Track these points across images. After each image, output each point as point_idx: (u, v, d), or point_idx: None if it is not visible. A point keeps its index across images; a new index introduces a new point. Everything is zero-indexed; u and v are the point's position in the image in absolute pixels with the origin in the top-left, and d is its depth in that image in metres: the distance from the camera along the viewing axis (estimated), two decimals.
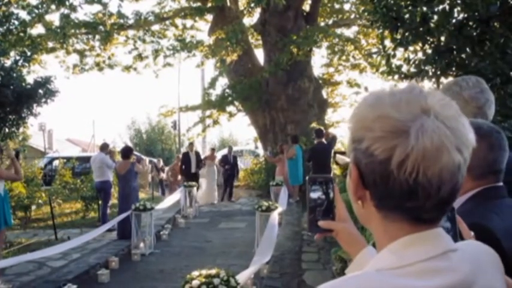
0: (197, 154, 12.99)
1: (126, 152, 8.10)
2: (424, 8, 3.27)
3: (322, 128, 10.81)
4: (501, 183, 1.37)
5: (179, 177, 13.69)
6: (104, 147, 9.48)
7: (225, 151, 16.98)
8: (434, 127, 0.64)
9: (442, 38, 3.28)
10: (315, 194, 0.96)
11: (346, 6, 15.24)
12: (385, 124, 0.65)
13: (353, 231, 0.99)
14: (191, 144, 13.38)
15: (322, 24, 14.36)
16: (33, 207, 9.66)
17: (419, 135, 0.63)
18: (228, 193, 13.64)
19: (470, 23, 3.12)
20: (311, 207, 0.96)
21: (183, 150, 21.98)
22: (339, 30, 14.24)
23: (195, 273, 3.43)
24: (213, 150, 14.40)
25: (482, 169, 1.33)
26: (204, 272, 3.44)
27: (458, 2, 3.33)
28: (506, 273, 0.99)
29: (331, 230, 0.96)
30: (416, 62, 3.43)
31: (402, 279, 0.64)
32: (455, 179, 0.66)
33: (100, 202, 9.48)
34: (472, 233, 1.11)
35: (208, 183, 13.15)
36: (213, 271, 3.43)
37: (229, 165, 13.42)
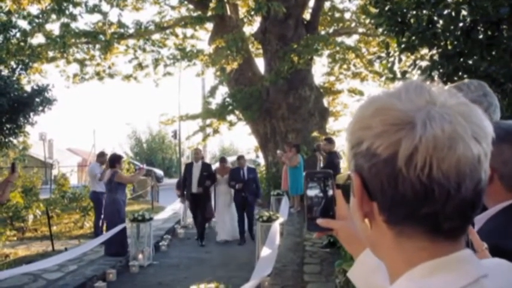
0: (205, 166, 8.97)
1: (111, 161, 7.48)
2: (430, 12, 3.19)
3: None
4: None
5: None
6: (99, 156, 9.34)
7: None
8: (443, 113, 0.55)
9: (449, 42, 3.19)
10: (312, 192, 0.89)
11: (347, 15, 15.27)
12: (386, 117, 0.56)
13: (354, 229, 0.89)
14: (197, 151, 9.56)
15: (323, 32, 14.34)
16: (31, 217, 9.50)
17: (427, 124, 0.54)
18: (247, 226, 8.84)
19: (478, 27, 3.03)
20: (309, 205, 0.89)
21: (184, 160, 21.48)
22: (339, 39, 14.21)
23: (193, 287, 3.30)
24: (223, 160, 9.67)
25: None
26: (202, 286, 3.31)
27: (464, 6, 3.24)
28: None
29: (331, 229, 0.89)
30: (423, 68, 3.34)
31: None
32: (477, 175, 0.55)
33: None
34: (485, 245, 1.02)
35: (219, 209, 9.14)
36: (212, 285, 3.30)
37: (240, 183, 8.65)
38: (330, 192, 0.89)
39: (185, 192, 9.07)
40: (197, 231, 9.01)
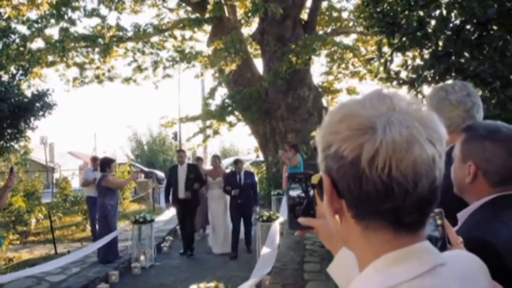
0: (191, 168, 8.06)
1: (102, 164, 7.32)
2: (421, 13, 3.24)
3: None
4: None
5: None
6: (92, 161, 9.38)
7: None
8: (401, 119, 0.62)
9: (440, 43, 3.25)
10: (295, 192, 0.93)
11: (344, 15, 15.30)
12: (351, 123, 0.63)
13: None
14: (180, 154, 8.30)
15: (321, 32, 14.38)
16: (33, 221, 9.57)
17: (387, 129, 0.61)
18: (244, 236, 7.99)
19: (468, 27, 3.09)
20: (290, 205, 0.94)
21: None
22: (337, 39, 14.26)
23: (193, 286, 3.36)
24: (216, 159, 8.61)
25: (501, 175, 1.27)
26: (202, 285, 3.37)
27: (456, 6, 3.30)
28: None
29: (311, 227, 0.94)
30: (414, 68, 3.39)
31: None
32: (432, 174, 0.62)
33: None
34: (460, 239, 1.06)
35: (212, 217, 8.28)
36: (212, 284, 3.36)
37: (236, 188, 7.72)
38: (311, 192, 0.93)
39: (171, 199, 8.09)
40: (183, 243, 8.11)
